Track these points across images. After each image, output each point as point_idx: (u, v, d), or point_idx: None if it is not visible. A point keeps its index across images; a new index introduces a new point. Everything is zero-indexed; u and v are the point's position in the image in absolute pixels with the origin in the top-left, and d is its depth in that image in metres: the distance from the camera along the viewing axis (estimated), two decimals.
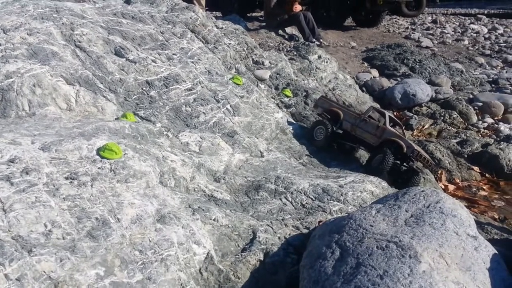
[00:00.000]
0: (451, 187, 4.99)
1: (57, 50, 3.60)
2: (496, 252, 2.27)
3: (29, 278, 1.75)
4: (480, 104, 7.27)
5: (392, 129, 4.43)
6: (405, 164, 4.39)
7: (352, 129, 4.57)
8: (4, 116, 3.01)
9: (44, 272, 1.81)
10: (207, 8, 8.21)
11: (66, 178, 2.30)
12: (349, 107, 5.42)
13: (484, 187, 5.09)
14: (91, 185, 2.33)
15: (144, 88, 3.85)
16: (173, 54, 4.51)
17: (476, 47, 11.25)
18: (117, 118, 3.42)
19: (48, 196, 2.14)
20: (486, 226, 3.81)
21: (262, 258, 2.53)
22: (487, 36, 12.57)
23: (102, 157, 2.54)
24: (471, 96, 7.71)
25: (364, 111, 4.98)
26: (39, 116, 3.09)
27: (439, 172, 5.19)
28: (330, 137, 4.59)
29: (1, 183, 2.09)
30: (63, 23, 3.92)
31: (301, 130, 4.87)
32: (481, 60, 10.10)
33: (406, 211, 2.41)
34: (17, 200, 2.04)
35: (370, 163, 4.28)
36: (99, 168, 2.46)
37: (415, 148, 4.20)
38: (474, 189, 5.02)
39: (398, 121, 5.04)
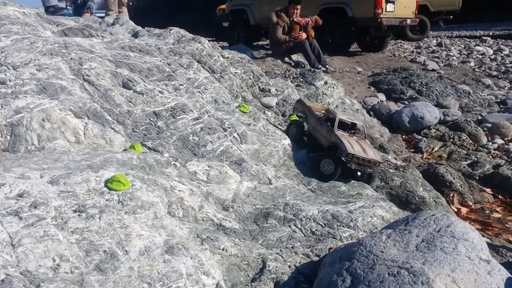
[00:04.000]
0: (464, 210, 4.91)
1: (66, 85, 3.66)
2: (510, 275, 2.22)
3: None
4: (489, 125, 7.24)
5: (337, 132, 4.53)
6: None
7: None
8: (13, 151, 3.05)
9: None
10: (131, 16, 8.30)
11: (74, 211, 2.30)
12: None
13: (498, 209, 5.00)
14: (99, 218, 2.33)
15: (151, 119, 3.89)
16: (180, 84, 4.56)
17: (483, 69, 11.26)
18: (125, 150, 3.44)
19: (56, 230, 2.14)
20: (500, 249, 3.73)
21: None
22: (493, 57, 12.58)
23: (110, 189, 2.55)
24: (479, 118, 7.68)
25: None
26: (48, 150, 3.12)
27: (451, 195, 5.13)
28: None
29: (10, 218, 2.09)
30: (71, 58, 4.00)
31: (309, 156, 4.85)
32: (488, 81, 10.09)
33: (417, 236, 2.38)
34: (25, 235, 2.04)
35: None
36: (107, 200, 2.47)
37: (349, 152, 4.33)
38: (487, 211, 4.94)
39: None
